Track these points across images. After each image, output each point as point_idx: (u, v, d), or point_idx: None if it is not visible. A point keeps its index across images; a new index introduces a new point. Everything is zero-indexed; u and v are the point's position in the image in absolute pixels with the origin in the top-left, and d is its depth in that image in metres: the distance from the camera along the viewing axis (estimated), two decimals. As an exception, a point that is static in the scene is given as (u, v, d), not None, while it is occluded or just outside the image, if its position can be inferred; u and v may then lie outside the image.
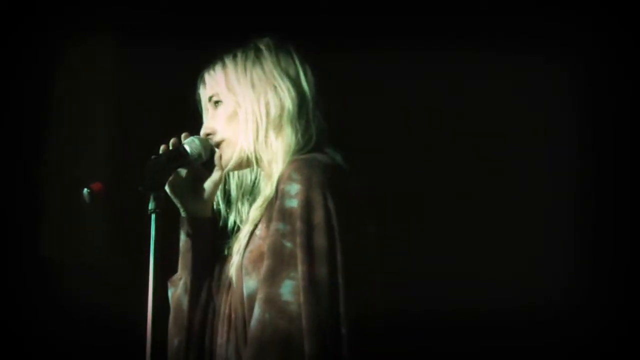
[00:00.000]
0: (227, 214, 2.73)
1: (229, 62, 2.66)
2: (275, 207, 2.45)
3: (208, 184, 2.70)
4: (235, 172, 2.74)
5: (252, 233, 2.55)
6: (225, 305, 2.60)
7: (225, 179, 2.74)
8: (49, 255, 3.84)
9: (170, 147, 2.62)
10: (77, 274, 3.83)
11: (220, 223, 2.73)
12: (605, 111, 3.81)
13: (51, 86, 3.87)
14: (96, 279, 3.82)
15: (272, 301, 2.37)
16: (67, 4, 3.81)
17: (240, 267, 2.52)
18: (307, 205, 2.41)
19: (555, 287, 3.78)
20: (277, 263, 2.40)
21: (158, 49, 3.74)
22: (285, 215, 2.43)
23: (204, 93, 2.72)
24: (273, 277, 2.40)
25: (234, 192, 2.75)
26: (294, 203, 2.42)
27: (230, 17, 3.74)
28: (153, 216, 2.44)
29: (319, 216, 2.41)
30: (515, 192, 3.89)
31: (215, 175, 2.70)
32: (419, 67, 3.84)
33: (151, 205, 2.46)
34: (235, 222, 2.72)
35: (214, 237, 2.72)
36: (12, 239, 3.78)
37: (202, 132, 2.68)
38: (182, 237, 2.70)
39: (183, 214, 2.71)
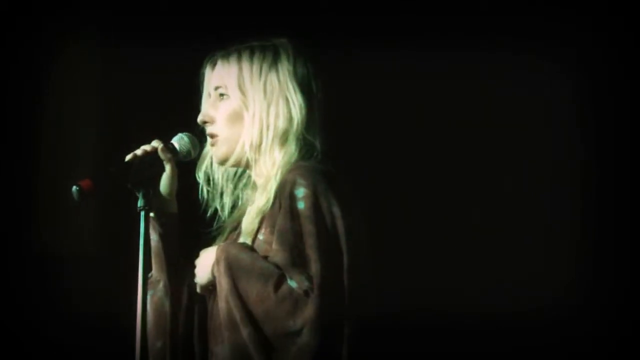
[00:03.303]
0: (212, 201, 2.70)
1: (245, 57, 2.59)
2: (283, 208, 2.47)
3: (167, 180, 2.61)
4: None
5: (253, 241, 2.54)
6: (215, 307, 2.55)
7: (210, 168, 2.69)
8: (39, 249, 3.87)
9: (149, 149, 2.55)
10: (66, 268, 3.86)
11: (201, 210, 2.72)
12: (606, 111, 3.80)
13: (45, 84, 3.89)
14: (85, 274, 3.85)
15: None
16: (60, 4, 3.84)
17: None
18: (315, 209, 2.45)
19: (556, 288, 3.77)
20: (294, 257, 2.43)
21: (151, 49, 3.76)
22: (294, 215, 2.46)
23: (211, 78, 2.64)
24: (293, 268, 2.42)
25: (218, 181, 2.70)
26: (302, 205, 2.46)
27: (227, 17, 3.76)
28: (142, 213, 2.46)
29: (328, 221, 2.46)
30: (516, 192, 3.89)
31: (169, 169, 2.59)
32: (418, 67, 3.84)
33: (140, 203, 2.47)
34: (216, 210, 2.70)
35: (181, 232, 2.68)
36: (3, 233, 3.82)
37: (200, 118, 2.63)
38: (154, 237, 2.63)
39: (151, 213, 2.59)
